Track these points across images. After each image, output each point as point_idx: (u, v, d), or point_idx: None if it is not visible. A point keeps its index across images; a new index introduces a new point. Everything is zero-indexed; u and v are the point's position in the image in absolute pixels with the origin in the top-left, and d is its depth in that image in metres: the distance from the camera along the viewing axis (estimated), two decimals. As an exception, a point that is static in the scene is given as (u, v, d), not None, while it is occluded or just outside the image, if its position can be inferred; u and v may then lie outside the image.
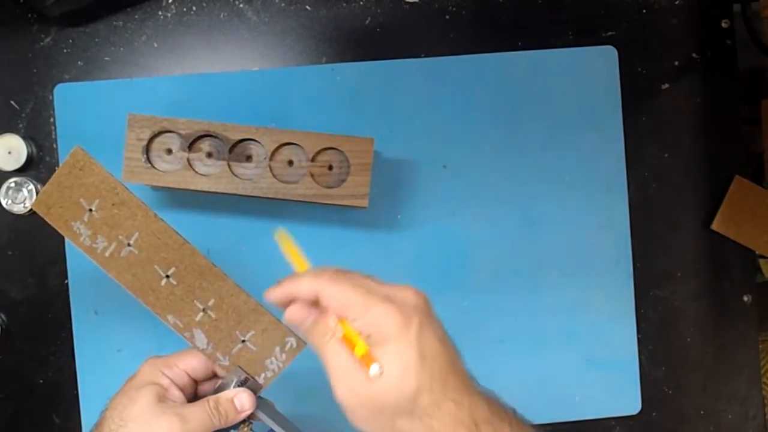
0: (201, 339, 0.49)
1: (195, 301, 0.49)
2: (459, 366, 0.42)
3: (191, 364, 0.49)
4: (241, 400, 0.48)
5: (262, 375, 0.50)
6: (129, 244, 0.49)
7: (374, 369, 0.40)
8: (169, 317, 0.49)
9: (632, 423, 0.69)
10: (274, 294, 0.46)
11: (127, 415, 0.45)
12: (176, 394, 0.48)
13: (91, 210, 0.49)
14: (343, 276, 0.44)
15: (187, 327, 0.49)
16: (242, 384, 0.49)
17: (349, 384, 0.41)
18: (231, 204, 0.65)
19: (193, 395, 0.50)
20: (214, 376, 0.51)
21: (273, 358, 0.49)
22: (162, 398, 0.46)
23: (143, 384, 0.47)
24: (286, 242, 0.47)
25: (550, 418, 0.68)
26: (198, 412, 0.46)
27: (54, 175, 0.48)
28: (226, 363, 0.49)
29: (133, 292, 0.49)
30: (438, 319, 0.44)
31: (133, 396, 0.46)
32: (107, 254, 0.49)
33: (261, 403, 0.50)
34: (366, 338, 0.42)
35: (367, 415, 0.41)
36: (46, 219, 0.49)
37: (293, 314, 0.45)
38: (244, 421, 0.49)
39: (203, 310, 0.49)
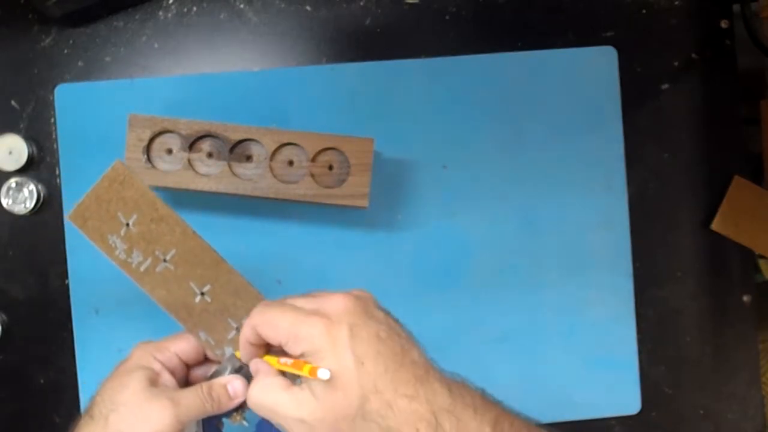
0: None
1: (228, 319, 0.49)
2: (410, 357, 0.41)
3: (182, 347, 0.49)
4: (235, 387, 0.47)
5: None
6: (165, 260, 0.49)
7: (323, 373, 0.39)
8: (201, 334, 0.49)
9: (632, 423, 0.69)
10: (243, 355, 0.46)
11: (118, 399, 0.45)
12: (168, 379, 0.47)
13: (128, 224, 0.48)
14: (273, 304, 0.44)
15: (218, 344, 0.49)
16: (237, 371, 0.48)
17: (299, 413, 0.40)
18: (231, 204, 0.66)
19: (185, 380, 0.50)
20: (206, 360, 0.51)
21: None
22: (153, 382, 0.46)
23: (134, 368, 0.47)
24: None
25: (549, 417, 0.68)
26: (190, 396, 0.46)
27: (92, 188, 0.48)
28: None
29: (165, 308, 0.49)
30: (379, 316, 0.43)
31: (124, 380, 0.46)
32: (142, 269, 0.49)
33: None
34: (301, 356, 0.41)
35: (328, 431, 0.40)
36: (82, 231, 0.48)
37: (230, 392, 0.47)
38: (236, 409, 0.48)
39: (237, 328, 0.49)
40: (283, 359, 0.43)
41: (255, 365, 0.45)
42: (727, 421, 0.70)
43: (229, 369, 0.48)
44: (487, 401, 0.42)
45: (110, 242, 0.48)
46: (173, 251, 0.49)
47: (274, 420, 0.42)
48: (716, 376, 0.70)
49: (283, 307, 0.43)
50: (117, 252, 0.49)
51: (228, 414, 0.48)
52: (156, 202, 0.49)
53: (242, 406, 0.49)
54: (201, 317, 0.49)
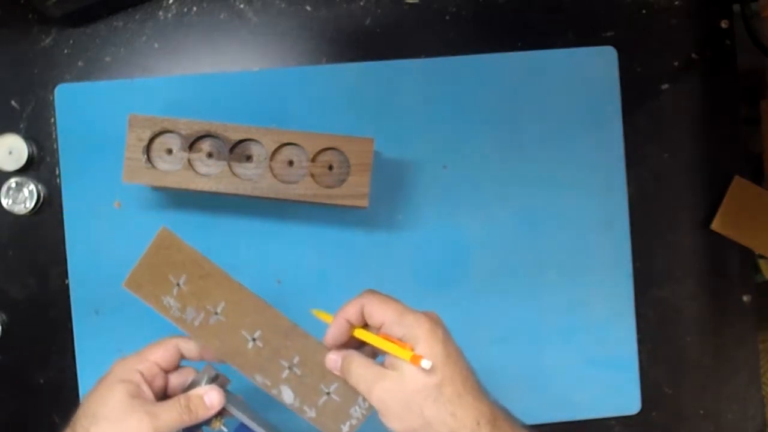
0: (288, 394, 0.52)
1: (281, 360, 0.52)
2: (476, 377, 0.48)
3: (159, 354, 0.51)
4: (211, 398, 0.49)
5: (347, 423, 0.51)
6: (216, 313, 0.51)
7: (425, 363, 0.45)
8: (257, 377, 0.52)
9: (632, 423, 0.69)
10: (331, 332, 0.50)
11: (99, 413, 0.47)
12: (146, 391, 0.49)
13: (179, 284, 0.51)
14: (381, 293, 0.50)
15: (274, 384, 0.52)
16: (212, 381, 0.50)
17: (381, 386, 0.46)
18: (231, 204, 0.66)
19: (163, 388, 0.52)
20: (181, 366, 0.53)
21: (357, 407, 0.51)
22: (133, 395, 0.48)
23: (115, 382, 0.49)
24: (324, 315, 0.52)
25: (549, 417, 0.68)
26: (168, 409, 0.48)
27: (143, 256, 0.51)
28: (313, 415, 0.51)
29: (222, 356, 0.52)
30: None
31: (105, 394, 0.48)
32: (197, 324, 0.52)
33: (231, 398, 0.51)
34: (399, 339, 0.47)
35: (400, 409, 0.46)
36: (138, 296, 0.52)
37: (329, 364, 0.51)
38: (216, 416, 0.50)
39: (289, 367, 0.52)
40: (383, 334, 0.48)
41: (339, 354, 0.50)
42: (727, 421, 0.70)
43: (205, 379, 0.50)
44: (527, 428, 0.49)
45: (165, 303, 0.52)
46: (222, 304, 0.52)
47: (359, 390, 0.48)
48: (716, 376, 0.70)
49: (390, 297, 0.49)
50: (172, 311, 0.52)
51: (208, 421, 0.50)
52: (202, 260, 0.52)
53: (221, 413, 0.51)
54: (256, 362, 0.52)
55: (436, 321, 0.48)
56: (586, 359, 0.68)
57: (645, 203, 0.70)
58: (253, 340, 0.52)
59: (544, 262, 0.68)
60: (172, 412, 0.48)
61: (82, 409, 0.48)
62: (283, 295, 0.66)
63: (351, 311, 0.49)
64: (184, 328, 0.52)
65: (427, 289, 0.67)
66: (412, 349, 0.46)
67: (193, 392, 0.49)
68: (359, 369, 0.48)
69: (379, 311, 0.48)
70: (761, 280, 0.74)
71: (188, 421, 0.48)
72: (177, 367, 0.53)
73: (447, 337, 0.47)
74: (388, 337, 0.47)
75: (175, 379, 0.53)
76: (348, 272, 0.67)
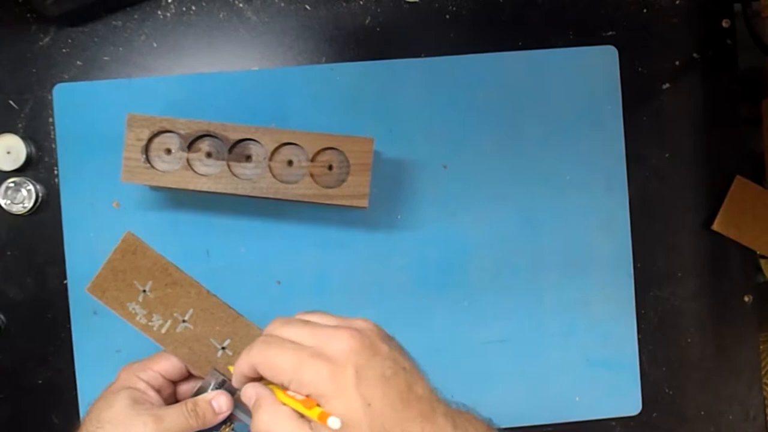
0: None
1: None
2: (416, 393, 0.41)
3: (164, 366, 0.51)
4: (219, 402, 0.49)
5: None
6: (184, 320, 0.51)
7: (333, 422, 0.38)
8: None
9: (633, 423, 0.69)
10: (240, 388, 0.46)
11: (104, 418, 0.47)
12: (153, 396, 0.50)
13: (145, 291, 0.51)
14: (272, 340, 0.43)
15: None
16: (220, 386, 0.50)
17: None
18: (231, 204, 0.65)
19: (172, 396, 0.52)
20: (190, 376, 0.53)
21: None
22: (138, 401, 0.48)
23: (119, 389, 0.49)
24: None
25: (550, 418, 0.68)
26: (174, 413, 0.48)
27: (107, 260, 0.51)
28: None
29: (189, 365, 0.52)
30: (383, 351, 0.42)
31: (110, 400, 0.48)
32: (163, 331, 0.51)
33: (239, 404, 0.51)
34: (308, 396, 0.41)
35: None
36: (102, 302, 0.51)
37: (244, 398, 0.45)
38: (225, 422, 0.50)
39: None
40: (291, 392, 0.41)
41: (254, 390, 0.44)
42: (728, 422, 0.70)
43: (212, 384, 0.50)
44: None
45: (130, 309, 0.51)
46: (191, 311, 0.51)
47: None
48: (717, 376, 0.70)
49: (284, 346, 0.42)
50: (138, 318, 0.51)
51: (216, 428, 0.50)
52: (169, 267, 0.51)
53: (230, 419, 0.50)
54: (225, 371, 0.51)
55: (340, 363, 0.40)
56: (586, 359, 0.68)
57: (646, 203, 0.69)
58: (223, 348, 0.51)
59: (544, 262, 0.68)
60: (178, 416, 0.48)
61: (88, 415, 0.49)
62: (283, 295, 0.66)
63: (246, 371, 0.44)
64: (150, 336, 0.51)
65: (427, 289, 0.67)
66: (318, 405, 0.39)
67: (201, 397, 0.49)
68: (278, 425, 0.40)
69: (273, 374, 0.42)
70: (763, 281, 0.74)
71: (195, 425, 0.48)
72: (186, 378, 0.53)
73: (360, 377, 0.40)
74: (292, 397, 0.41)
75: (185, 387, 0.53)
76: (348, 272, 0.66)
